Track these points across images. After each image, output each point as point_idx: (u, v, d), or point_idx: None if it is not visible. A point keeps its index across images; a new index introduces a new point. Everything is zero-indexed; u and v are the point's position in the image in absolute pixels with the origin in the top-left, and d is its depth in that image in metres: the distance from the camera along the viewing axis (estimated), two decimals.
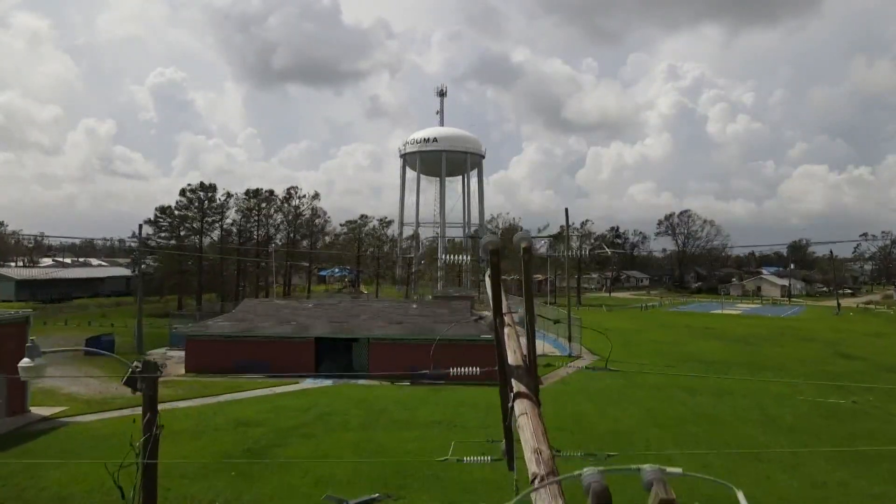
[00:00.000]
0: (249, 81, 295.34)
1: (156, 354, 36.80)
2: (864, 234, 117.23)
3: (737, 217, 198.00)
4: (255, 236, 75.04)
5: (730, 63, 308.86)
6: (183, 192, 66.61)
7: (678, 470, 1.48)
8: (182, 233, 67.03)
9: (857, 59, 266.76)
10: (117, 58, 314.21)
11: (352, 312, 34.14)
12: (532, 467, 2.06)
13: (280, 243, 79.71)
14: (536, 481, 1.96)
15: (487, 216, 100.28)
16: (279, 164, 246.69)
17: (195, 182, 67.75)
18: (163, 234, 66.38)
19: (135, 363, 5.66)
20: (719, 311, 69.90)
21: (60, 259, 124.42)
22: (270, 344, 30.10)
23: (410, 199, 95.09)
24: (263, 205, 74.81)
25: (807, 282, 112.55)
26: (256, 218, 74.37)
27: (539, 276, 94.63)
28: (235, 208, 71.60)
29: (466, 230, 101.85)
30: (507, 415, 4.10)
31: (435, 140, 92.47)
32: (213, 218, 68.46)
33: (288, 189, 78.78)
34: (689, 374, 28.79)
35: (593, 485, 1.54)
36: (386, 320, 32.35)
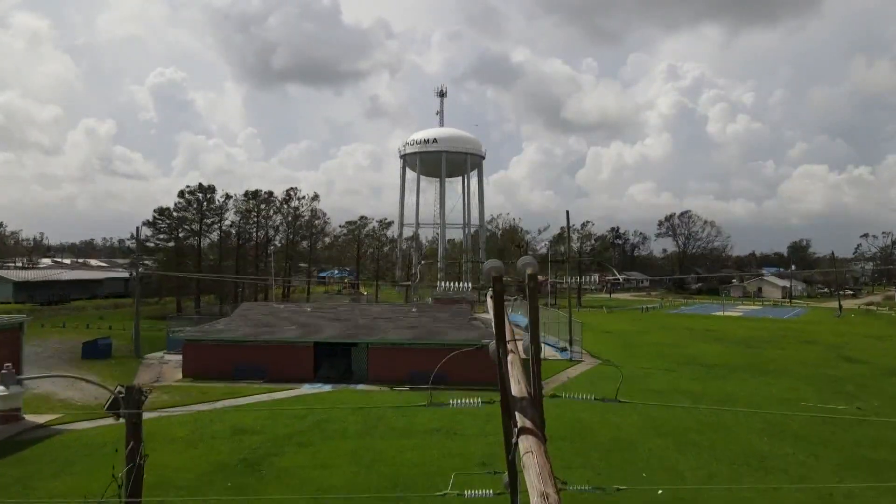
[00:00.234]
0: (249, 81, 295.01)
1: (153, 358, 36.55)
2: (865, 235, 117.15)
3: (737, 217, 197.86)
4: (254, 238, 74.76)
5: (730, 63, 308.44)
6: (181, 194, 66.37)
7: None
8: (181, 234, 66.74)
9: (857, 59, 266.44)
10: (117, 58, 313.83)
11: (351, 316, 33.86)
12: None
13: (279, 245, 79.44)
14: None
15: (487, 216, 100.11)
16: (279, 165, 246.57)
17: (195, 182, 67.72)
18: (161, 236, 66.11)
19: (118, 388, 5.37)
20: (720, 313, 69.60)
21: (59, 260, 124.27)
22: (269, 349, 29.82)
23: (410, 199, 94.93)
24: (262, 206, 74.52)
25: (808, 283, 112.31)
26: (256, 219, 74.08)
27: (539, 278, 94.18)
28: (234, 210, 71.36)
29: (466, 231, 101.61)
30: (511, 448, 3.80)
31: (435, 141, 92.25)
32: (212, 219, 68.19)
33: (287, 190, 78.55)
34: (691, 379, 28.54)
35: None
36: (385, 325, 32.06)
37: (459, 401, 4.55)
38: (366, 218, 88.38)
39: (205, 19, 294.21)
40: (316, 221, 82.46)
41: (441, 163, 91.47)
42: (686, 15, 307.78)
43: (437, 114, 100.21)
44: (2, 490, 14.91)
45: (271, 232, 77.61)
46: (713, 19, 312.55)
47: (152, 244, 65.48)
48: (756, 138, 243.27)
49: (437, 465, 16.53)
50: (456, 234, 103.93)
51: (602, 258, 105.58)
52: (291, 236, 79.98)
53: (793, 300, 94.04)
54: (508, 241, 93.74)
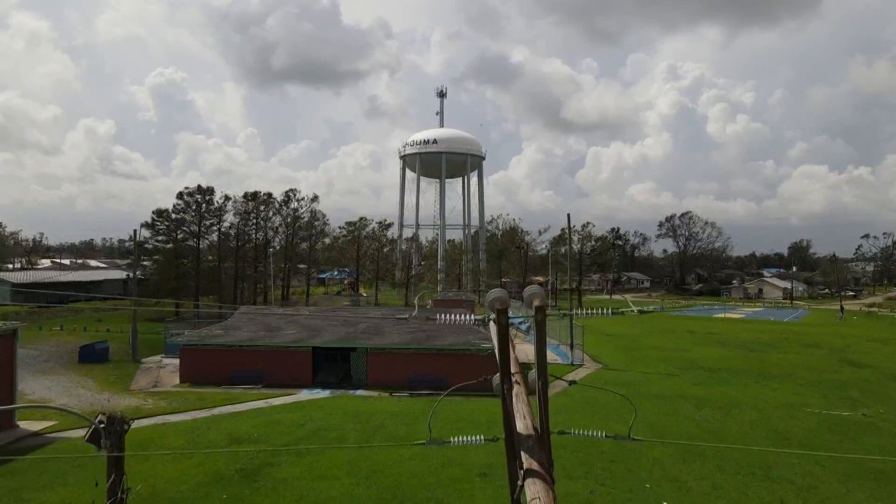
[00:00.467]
0: (249, 81, 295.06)
1: (151, 362, 36.24)
2: (866, 236, 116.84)
3: (737, 217, 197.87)
4: (253, 239, 74.48)
5: (729, 63, 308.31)
6: (180, 196, 66.05)
7: None
8: (179, 236, 66.44)
9: (857, 60, 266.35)
10: (117, 58, 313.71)
11: (350, 321, 33.56)
12: None
13: (279, 246, 79.16)
14: None
15: (487, 217, 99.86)
16: (279, 164, 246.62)
17: (195, 182, 67.52)
18: (160, 238, 65.81)
19: (98, 418, 5.06)
20: (721, 315, 69.31)
21: (59, 260, 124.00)
22: (267, 353, 29.50)
23: (410, 200, 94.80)
24: (262, 208, 74.27)
25: (809, 284, 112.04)
26: (255, 221, 73.81)
27: (540, 278, 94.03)
28: (233, 211, 71.11)
29: (466, 231, 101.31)
30: (517, 489, 3.48)
31: (435, 141, 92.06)
32: (211, 221, 67.91)
33: (286, 192, 78.37)
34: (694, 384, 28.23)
35: None
36: (384, 329, 31.76)
37: (460, 438, 4.23)
38: (365, 219, 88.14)
39: (204, 19, 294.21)
40: (315, 223, 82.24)
41: (441, 163, 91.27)
42: (685, 15, 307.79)
43: (436, 114, 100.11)
44: None
45: (270, 233, 77.35)
46: (713, 19, 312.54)
47: (151, 246, 65.22)
48: (756, 138, 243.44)
49: (437, 475, 16.24)
50: (456, 235, 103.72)
51: (602, 259, 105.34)
52: (291, 238, 79.72)
53: (794, 301, 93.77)
54: (508, 241, 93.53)
